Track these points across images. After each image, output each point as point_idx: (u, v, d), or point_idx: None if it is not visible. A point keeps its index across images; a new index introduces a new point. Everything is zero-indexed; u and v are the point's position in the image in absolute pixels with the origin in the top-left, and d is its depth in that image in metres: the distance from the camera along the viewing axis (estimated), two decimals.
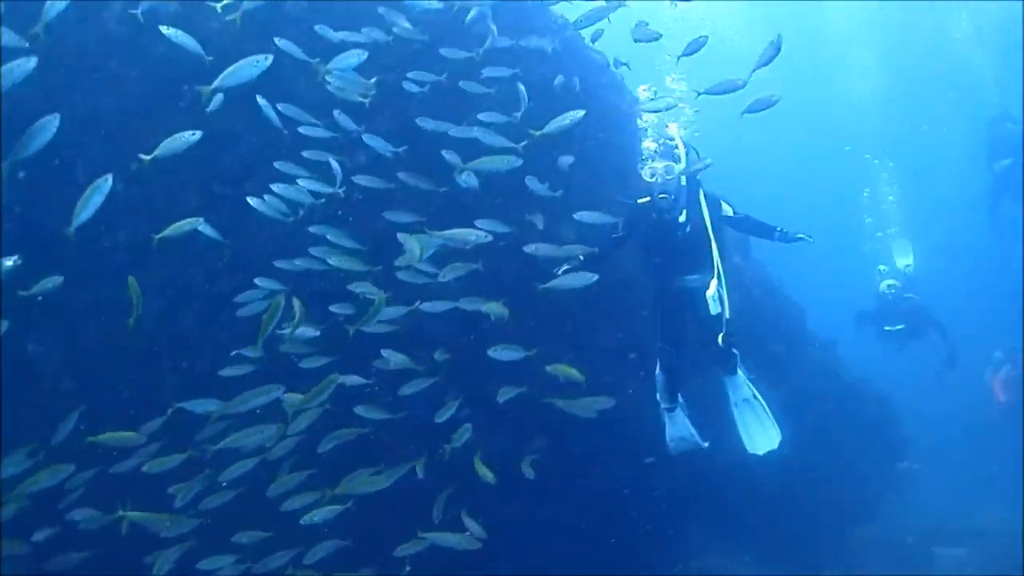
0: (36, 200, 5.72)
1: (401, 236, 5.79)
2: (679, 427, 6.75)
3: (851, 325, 13.01)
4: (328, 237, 6.00)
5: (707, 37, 6.32)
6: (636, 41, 6.48)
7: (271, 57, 5.49)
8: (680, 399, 6.77)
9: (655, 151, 6.55)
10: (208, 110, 5.55)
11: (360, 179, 6.14)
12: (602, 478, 7.32)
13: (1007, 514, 11.16)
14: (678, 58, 6.44)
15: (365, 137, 6.09)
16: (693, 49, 6.38)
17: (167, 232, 5.43)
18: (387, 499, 5.98)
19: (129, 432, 5.55)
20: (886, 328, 12.74)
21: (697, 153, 6.75)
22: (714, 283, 6.43)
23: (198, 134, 5.34)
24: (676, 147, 6.63)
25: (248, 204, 5.86)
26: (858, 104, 23.37)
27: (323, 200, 6.00)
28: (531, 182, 6.41)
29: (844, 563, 9.39)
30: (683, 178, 6.60)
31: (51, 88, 5.47)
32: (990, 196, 16.69)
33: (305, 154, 5.99)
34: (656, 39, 6.45)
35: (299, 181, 5.90)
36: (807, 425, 8.77)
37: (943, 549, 10.95)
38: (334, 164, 5.96)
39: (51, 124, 4.97)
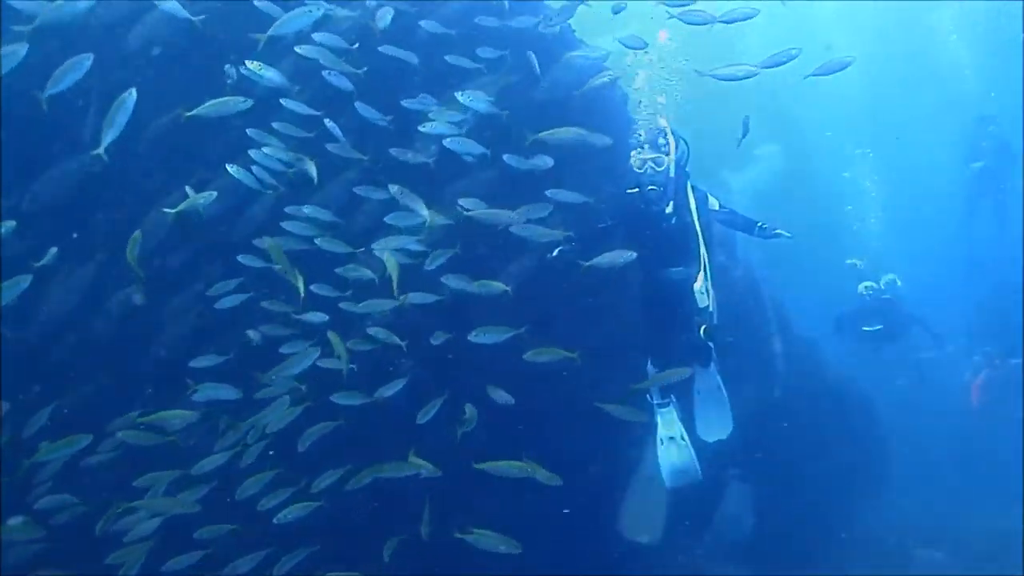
0: (18, 181, 5.51)
1: (393, 188, 5.65)
2: (671, 427, 6.59)
3: (831, 329, 13.04)
4: (305, 210, 5.81)
5: (758, 10, 6.14)
6: (688, 23, 6.28)
7: (323, 7, 5.41)
8: (672, 397, 6.65)
9: (645, 141, 6.46)
10: (228, 83, 5.47)
11: (342, 150, 5.93)
12: (590, 477, 7.18)
13: (986, 517, 11.23)
14: (720, 20, 6.20)
15: (357, 105, 5.88)
16: (738, 18, 6.18)
17: (182, 207, 5.31)
18: (370, 497, 5.84)
19: (182, 411, 5.35)
20: (864, 328, 12.80)
21: (687, 144, 6.66)
22: (701, 276, 6.38)
23: (249, 101, 5.23)
24: (666, 138, 6.55)
25: (230, 190, 5.65)
26: (845, 96, 23.51)
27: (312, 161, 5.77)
28: (512, 158, 6.22)
29: (825, 564, 9.37)
30: (672, 170, 6.50)
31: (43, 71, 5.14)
32: (967, 195, 16.97)
33: (277, 125, 5.74)
34: (707, 23, 6.23)
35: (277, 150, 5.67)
36: (788, 424, 8.77)
37: (922, 551, 11.00)
38: (329, 124, 5.74)
39: (83, 63, 4.80)
